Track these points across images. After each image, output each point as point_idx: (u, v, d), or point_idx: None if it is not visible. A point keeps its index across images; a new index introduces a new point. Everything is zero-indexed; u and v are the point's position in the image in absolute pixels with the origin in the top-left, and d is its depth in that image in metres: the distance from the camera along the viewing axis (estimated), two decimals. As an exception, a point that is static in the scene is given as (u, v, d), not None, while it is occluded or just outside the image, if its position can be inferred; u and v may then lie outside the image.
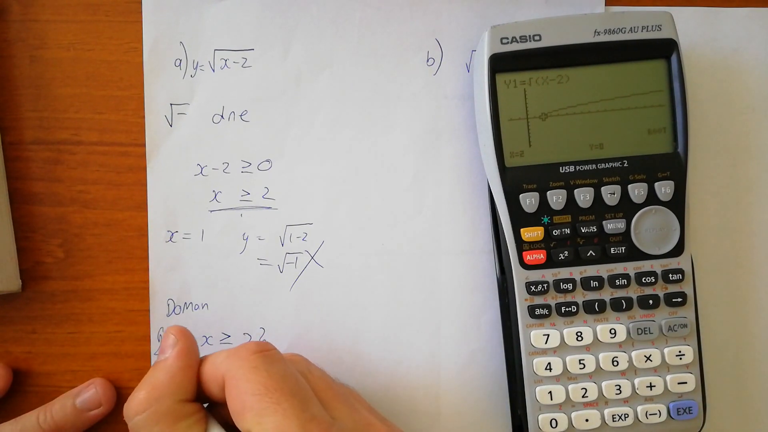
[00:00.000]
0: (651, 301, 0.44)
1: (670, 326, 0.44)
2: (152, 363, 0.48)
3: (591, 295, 0.44)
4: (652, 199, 0.44)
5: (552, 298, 0.44)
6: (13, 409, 0.48)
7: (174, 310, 0.48)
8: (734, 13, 0.49)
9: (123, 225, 0.48)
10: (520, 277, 0.44)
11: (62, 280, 0.48)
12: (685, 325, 0.44)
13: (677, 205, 0.44)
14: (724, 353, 0.48)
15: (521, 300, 0.44)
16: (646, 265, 0.44)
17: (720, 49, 0.49)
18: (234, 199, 0.48)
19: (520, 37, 0.43)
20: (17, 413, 0.47)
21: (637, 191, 0.43)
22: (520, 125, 0.44)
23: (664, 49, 0.44)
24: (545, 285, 0.44)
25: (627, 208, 0.44)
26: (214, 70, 0.48)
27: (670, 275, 0.44)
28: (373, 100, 0.48)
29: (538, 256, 0.44)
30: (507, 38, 0.43)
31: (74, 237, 0.48)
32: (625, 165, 0.43)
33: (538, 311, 0.44)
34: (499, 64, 0.43)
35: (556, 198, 0.43)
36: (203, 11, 0.48)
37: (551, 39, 0.43)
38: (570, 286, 0.44)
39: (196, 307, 0.48)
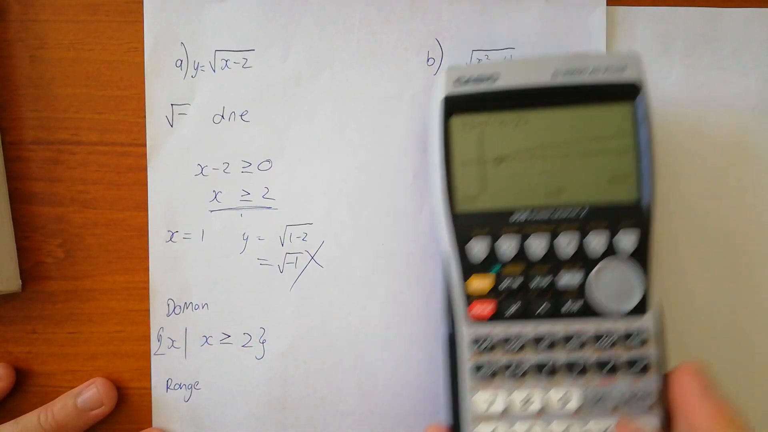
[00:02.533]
0: (610, 365, 0.40)
1: (631, 394, 0.40)
2: (152, 363, 0.48)
3: (543, 356, 0.40)
4: (612, 251, 0.40)
5: (500, 357, 0.40)
6: (14, 408, 0.48)
7: (174, 310, 0.48)
8: (734, 13, 0.49)
9: (123, 225, 0.48)
10: (466, 331, 0.41)
11: (62, 280, 0.48)
12: (649, 394, 0.40)
13: (641, 258, 0.40)
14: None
15: (466, 358, 0.41)
16: (605, 325, 0.40)
17: (720, 49, 0.49)
18: (234, 199, 0.48)
19: (477, 78, 0.41)
20: (18, 413, 0.47)
21: (597, 242, 0.40)
22: (474, 169, 0.42)
23: (629, 92, 0.41)
24: (492, 341, 0.40)
25: (585, 261, 0.40)
26: (214, 71, 0.48)
27: (632, 337, 0.40)
28: (374, 100, 0.48)
29: (486, 308, 0.40)
30: (463, 78, 0.41)
31: (74, 237, 0.48)
32: (585, 213, 0.40)
33: (483, 370, 0.40)
34: (455, 105, 0.41)
35: (508, 246, 0.40)
36: (204, 12, 0.48)
37: (509, 80, 0.41)
38: (519, 344, 0.40)
39: (196, 307, 0.48)
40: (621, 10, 0.48)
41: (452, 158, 0.42)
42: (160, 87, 0.48)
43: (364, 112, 0.48)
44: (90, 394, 0.47)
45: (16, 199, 0.48)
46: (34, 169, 0.48)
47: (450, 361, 0.42)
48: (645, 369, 0.40)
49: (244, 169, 0.48)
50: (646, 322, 0.40)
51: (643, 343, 0.40)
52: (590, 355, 0.40)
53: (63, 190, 0.48)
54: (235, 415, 0.48)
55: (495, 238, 0.41)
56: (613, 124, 0.41)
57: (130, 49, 0.48)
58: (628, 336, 0.40)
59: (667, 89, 0.49)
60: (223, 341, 0.48)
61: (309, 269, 0.48)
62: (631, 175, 0.41)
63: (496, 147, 0.42)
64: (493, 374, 0.40)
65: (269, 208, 0.48)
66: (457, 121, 0.42)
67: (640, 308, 0.40)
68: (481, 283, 0.41)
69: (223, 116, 0.48)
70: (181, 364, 0.48)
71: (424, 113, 0.48)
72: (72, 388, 0.48)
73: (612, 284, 0.40)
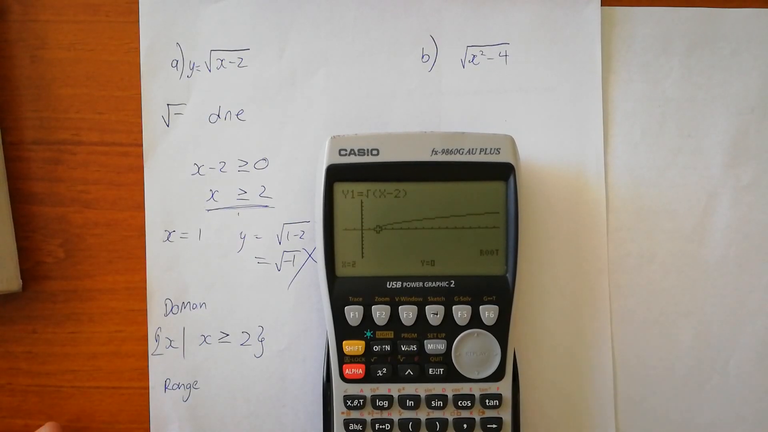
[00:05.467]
0: (466, 425, 0.43)
1: None
2: (150, 363, 0.48)
3: (407, 414, 0.43)
4: (475, 322, 0.43)
5: (368, 414, 0.43)
6: (15, 408, 0.48)
7: (171, 310, 0.48)
8: (734, 13, 0.48)
9: (123, 225, 0.49)
10: (339, 389, 0.44)
11: (63, 280, 0.49)
12: None
13: (500, 330, 0.43)
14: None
15: (338, 413, 0.44)
16: (464, 388, 0.43)
17: (720, 50, 0.48)
18: (231, 198, 0.48)
19: (359, 150, 0.43)
20: (18, 413, 0.47)
21: (461, 313, 0.43)
22: (354, 236, 0.43)
23: (502, 172, 0.43)
24: (362, 400, 0.43)
25: (449, 329, 0.43)
26: (210, 70, 0.48)
27: (487, 400, 0.43)
28: (369, 97, 0.48)
29: (357, 370, 0.43)
30: (345, 150, 0.43)
31: (75, 237, 0.49)
32: (452, 285, 0.43)
33: (352, 426, 0.43)
34: (338, 173, 0.43)
35: (380, 314, 0.43)
36: (199, 12, 0.48)
37: (389, 155, 0.43)
38: (386, 403, 0.43)
39: (194, 306, 0.48)
40: (620, 11, 0.48)
41: (335, 224, 0.43)
42: (156, 87, 0.48)
43: (359, 109, 0.48)
44: None
45: (16, 199, 0.48)
46: (35, 169, 0.49)
47: (324, 411, 0.45)
48: (497, 429, 0.43)
49: (240, 168, 0.48)
50: (502, 387, 0.43)
51: (497, 406, 0.43)
52: (450, 414, 0.43)
53: (63, 190, 0.49)
54: (235, 414, 0.48)
55: (370, 305, 0.43)
56: (487, 201, 0.43)
57: (131, 50, 0.48)
58: (484, 399, 0.43)
59: (667, 89, 0.48)
60: (222, 340, 0.48)
61: (307, 267, 0.48)
62: (498, 250, 0.44)
63: (376, 216, 0.43)
64: (361, 429, 0.43)
65: (266, 206, 0.48)
66: (339, 188, 0.43)
67: (497, 375, 0.43)
68: (354, 346, 0.43)
69: (219, 115, 0.48)
70: (180, 363, 0.48)
71: (420, 109, 0.48)
72: (73, 387, 0.48)
73: (472, 352, 0.43)
